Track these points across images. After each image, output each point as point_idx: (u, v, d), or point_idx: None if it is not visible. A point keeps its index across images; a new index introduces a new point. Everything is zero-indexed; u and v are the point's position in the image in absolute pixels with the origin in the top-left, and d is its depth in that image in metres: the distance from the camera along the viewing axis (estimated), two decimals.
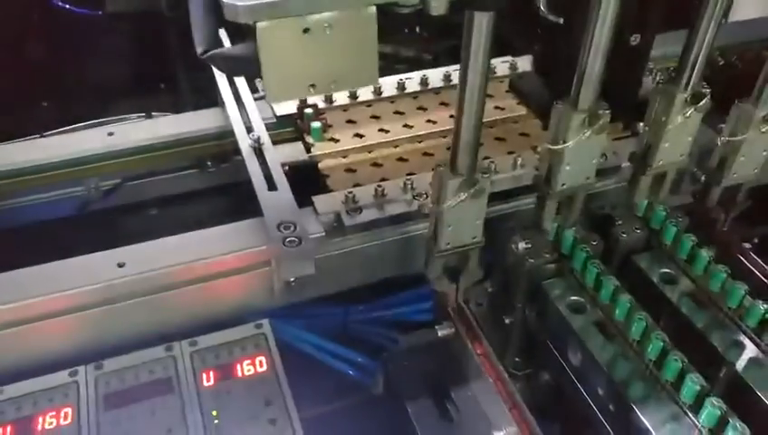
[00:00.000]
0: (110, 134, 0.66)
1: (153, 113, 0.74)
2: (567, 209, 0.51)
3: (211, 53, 0.37)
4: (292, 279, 0.53)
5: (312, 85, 0.38)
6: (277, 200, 0.55)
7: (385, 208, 0.58)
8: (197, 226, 0.56)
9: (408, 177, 0.61)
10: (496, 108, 0.71)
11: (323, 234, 0.56)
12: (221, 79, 0.70)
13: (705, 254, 0.50)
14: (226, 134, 0.67)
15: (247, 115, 0.66)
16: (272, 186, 0.57)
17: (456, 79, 0.75)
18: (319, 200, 0.58)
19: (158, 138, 0.67)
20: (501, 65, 0.76)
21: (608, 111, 0.46)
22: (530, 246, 0.51)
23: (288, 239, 0.52)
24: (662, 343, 0.43)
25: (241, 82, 0.70)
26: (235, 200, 0.67)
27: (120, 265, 0.52)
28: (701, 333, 0.47)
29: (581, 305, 0.49)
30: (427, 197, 0.59)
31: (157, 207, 0.68)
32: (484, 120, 0.45)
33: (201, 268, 0.53)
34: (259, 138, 0.62)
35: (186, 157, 0.68)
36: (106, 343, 0.53)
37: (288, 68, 0.36)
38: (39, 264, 0.52)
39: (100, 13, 0.97)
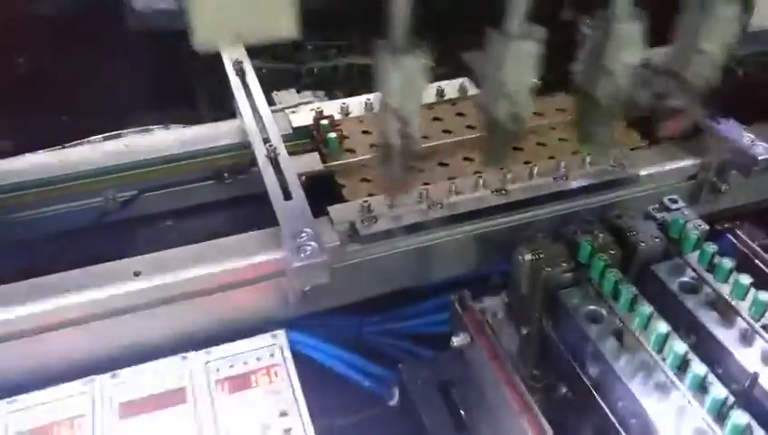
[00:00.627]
0: (128, 146, 0.67)
1: (170, 125, 0.74)
2: None
3: (137, 11, 0.38)
4: (306, 288, 0.53)
5: (236, 33, 0.38)
6: (293, 210, 0.55)
7: (401, 218, 0.57)
8: (214, 237, 0.56)
9: (424, 186, 0.60)
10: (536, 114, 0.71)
11: (338, 243, 0.55)
12: (238, 91, 0.71)
13: (727, 263, 0.49)
14: (243, 145, 0.67)
15: (264, 126, 0.66)
16: (287, 196, 0.57)
17: (472, 90, 0.75)
18: (334, 210, 0.58)
19: (175, 149, 0.67)
20: None
21: None
22: (536, 257, 0.50)
23: (303, 248, 0.52)
24: (683, 354, 0.42)
25: (258, 94, 0.70)
26: (252, 211, 0.67)
27: (136, 274, 0.52)
28: (723, 344, 0.45)
29: (599, 315, 0.48)
30: (442, 207, 0.59)
31: (173, 218, 0.68)
32: None
33: (217, 278, 0.53)
34: (275, 149, 0.62)
35: (203, 168, 0.69)
36: (121, 353, 0.53)
37: (213, 15, 0.37)
38: (56, 272, 0.53)
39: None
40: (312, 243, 0.51)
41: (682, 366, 0.42)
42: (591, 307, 0.48)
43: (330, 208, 0.58)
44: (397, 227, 0.57)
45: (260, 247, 0.55)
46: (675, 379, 0.42)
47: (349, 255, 0.56)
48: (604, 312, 0.48)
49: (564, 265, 0.50)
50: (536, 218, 0.60)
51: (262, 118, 0.67)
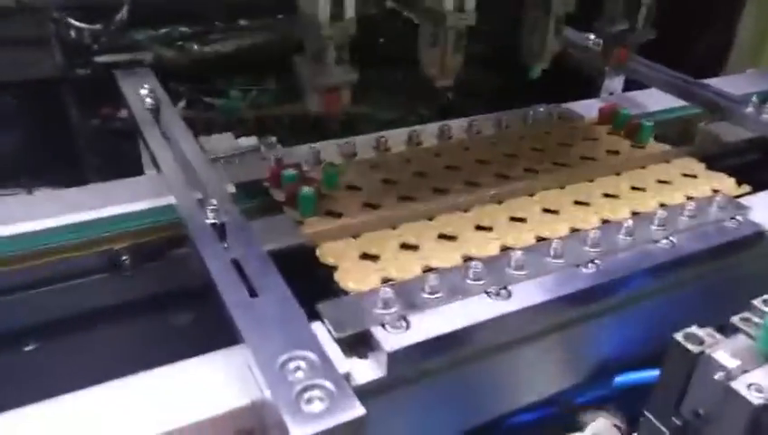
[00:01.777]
0: None
1: (38, 188, 0.47)
2: None
3: None
4: None
5: None
6: (268, 317, 0.30)
7: (443, 314, 0.34)
8: (111, 373, 0.30)
9: (466, 262, 0.38)
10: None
11: (349, 371, 0.31)
12: (151, 133, 0.46)
13: None
14: (160, 212, 0.42)
15: (199, 181, 0.41)
16: (253, 290, 0.32)
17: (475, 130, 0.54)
18: (329, 310, 0.34)
19: (45, 223, 0.40)
20: None
21: None
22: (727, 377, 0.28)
23: (300, 389, 0.26)
24: None
25: (184, 135, 0.46)
26: (179, 322, 0.41)
27: None
28: None
29: None
30: (507, 292, 0.36)
31: (38, 339, 0.40)
32: None
33: None
34: (220, 212, 0.37)
35: (90, 252, 0.41)
36: None
37: None
38: None
39: None
40: (327, 384, 0.26)
41: None
42: None
43: (320, 307, 0.34)
44: (446, 334, 0.33)
45: (207, 388, 0.29)
46: None
47: (365, 389, 0.31)
48: None
49: None
50: (657, 302, 0.39)
51: (195, 169, 0.42)
